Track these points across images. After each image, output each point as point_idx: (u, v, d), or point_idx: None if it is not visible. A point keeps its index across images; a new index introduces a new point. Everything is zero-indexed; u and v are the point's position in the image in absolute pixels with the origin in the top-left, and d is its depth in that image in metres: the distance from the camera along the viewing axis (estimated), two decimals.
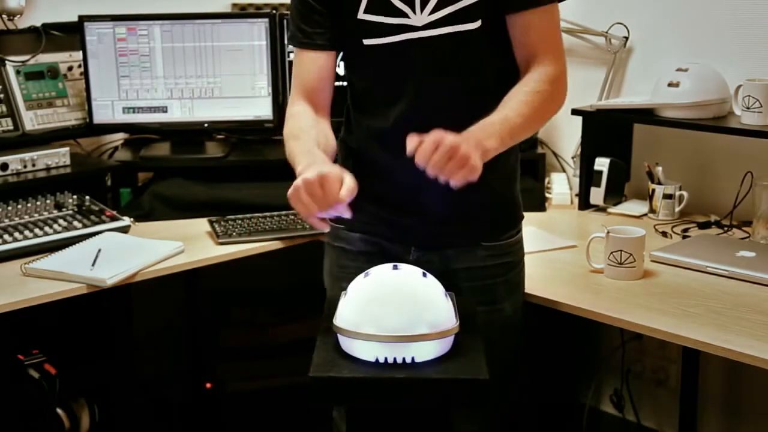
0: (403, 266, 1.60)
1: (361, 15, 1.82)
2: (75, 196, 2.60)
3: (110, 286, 2.20)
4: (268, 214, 2.61)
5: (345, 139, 1.98)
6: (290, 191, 1.60)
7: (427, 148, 1.57)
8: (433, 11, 1.79)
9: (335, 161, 1.89)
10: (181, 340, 3.20)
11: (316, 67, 1.89)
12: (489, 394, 1.48)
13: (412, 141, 1.59)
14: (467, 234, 1.92)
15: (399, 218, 1.91)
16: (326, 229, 1.68)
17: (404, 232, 1.92)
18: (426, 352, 1.51)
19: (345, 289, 1.64)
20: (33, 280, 2.22)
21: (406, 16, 1.80)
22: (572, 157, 2.97)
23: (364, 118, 1.92)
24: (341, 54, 1.94)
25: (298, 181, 1.60)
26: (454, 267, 1.92)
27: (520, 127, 1.75)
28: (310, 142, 1.79)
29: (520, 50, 1.83)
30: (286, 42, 1.95)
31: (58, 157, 2.67)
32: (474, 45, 1.81)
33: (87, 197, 2.61)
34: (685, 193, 2.68)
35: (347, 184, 1.60)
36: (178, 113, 2.84)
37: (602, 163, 2.74)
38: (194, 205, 2.71)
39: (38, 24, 2.81)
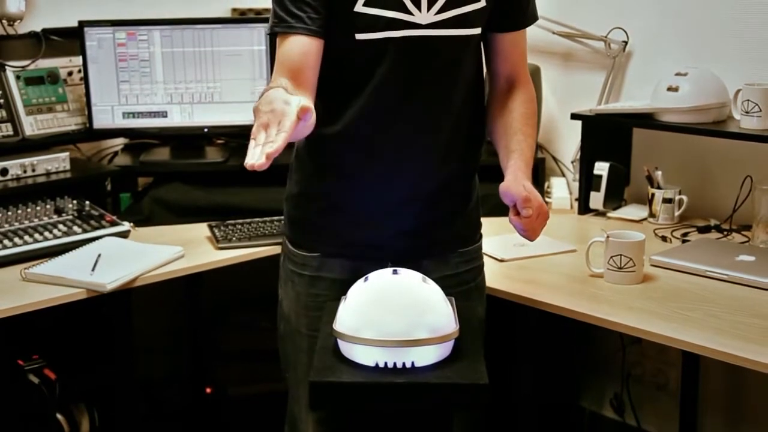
0: (402, 271, 1.60)
1: (359, 8, 1.71)
2: (75, 201, 2.60)
3: (110, 291, 2.20)
4: (267, 218, 2.61)
5: (302, 150, 1.85)
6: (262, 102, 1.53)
7: (534, 218, 1.66)
8: (440, 11, 1.73)
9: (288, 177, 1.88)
10: (181, 345, 3.20)
11: (301, 50, 1.70)
12: (489, 399, 1.48)
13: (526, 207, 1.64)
14: (446, 241, 1.88)
15: (373, 232, 1.74)
16: (265, 166, 1.49)
17: (380, 248, 1.80)
18: (426, 356, 1.51)
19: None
20: (33, 285, 2.22)
21: (407, 12, 1.72)
22: (572, 162, 2.97)
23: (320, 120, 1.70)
24: None
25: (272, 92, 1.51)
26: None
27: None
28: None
29: (504, 63, 1.87)
30: (266, 33, 1.80)
31: (57, 162, 2.67)
32: (468, 51, 1.80)
33: (87, 202, 2.61)
34: (684, 198, 2.68)
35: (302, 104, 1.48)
36: (177, 118, 2.85)
37: (602, 168, 2.74)
38: (194, 210, 2.71)
39: (38, 29, 2.81)
